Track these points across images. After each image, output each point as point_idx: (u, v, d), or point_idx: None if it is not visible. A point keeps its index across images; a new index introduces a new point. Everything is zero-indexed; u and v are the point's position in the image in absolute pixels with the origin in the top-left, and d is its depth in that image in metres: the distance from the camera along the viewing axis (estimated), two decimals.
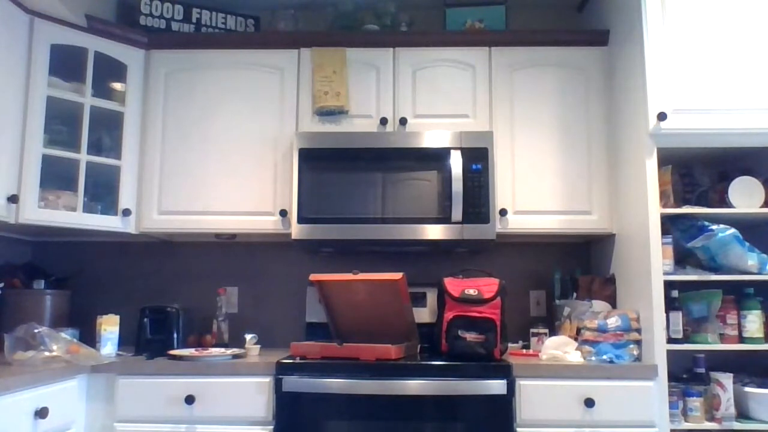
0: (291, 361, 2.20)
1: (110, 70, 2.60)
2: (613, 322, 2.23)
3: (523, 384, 2.12)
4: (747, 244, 2.22)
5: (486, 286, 2.28)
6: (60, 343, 2.17)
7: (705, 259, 2.28)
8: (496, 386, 2.08)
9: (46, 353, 2.11)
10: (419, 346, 2.50)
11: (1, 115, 2.22)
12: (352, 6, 2.88)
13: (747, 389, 2.16)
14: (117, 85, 2.65)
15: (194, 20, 2.83)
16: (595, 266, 2.80)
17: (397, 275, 2.25)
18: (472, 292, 2.26)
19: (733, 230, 2.20)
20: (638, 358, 2.21)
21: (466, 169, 2.44)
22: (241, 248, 2.91)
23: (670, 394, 2.12)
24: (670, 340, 2.18)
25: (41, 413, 1.89)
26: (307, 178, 2.50)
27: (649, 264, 2.18)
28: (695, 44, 2.26)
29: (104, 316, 2.44)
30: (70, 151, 2.46)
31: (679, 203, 2.36)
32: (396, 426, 2.10)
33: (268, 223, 2.58)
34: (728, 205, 2.26)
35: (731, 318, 2.22)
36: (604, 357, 2.18)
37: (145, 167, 2.63)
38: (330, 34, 2.77)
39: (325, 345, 2.26)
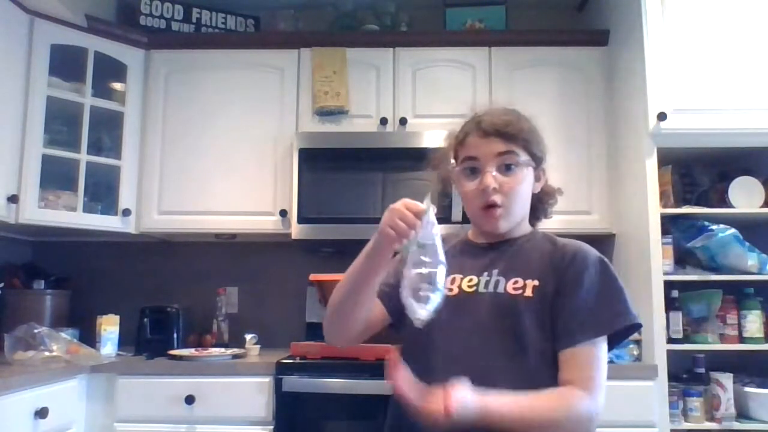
0: (291, 361, 2.20)
1: (110, 70, 2.60)
2: None
3: None
4: (747, 244, 2.21)
5: None
6: (60, 343, 2.17)
7: (705, 259, 2.27)
8: None
9: (46, 353, 2.11)
10: None
11: (1, 115, 2.22)
12: (352, 6, 2.88)
13: (747, 389, 2.16)
14: (117, 85, 2.65)
15: (194, 20, 2.83)
16: None
17: None
18: None
19: (733, 230, 2.20)
20: (638, 358, 2.21)
21: None
22: (241, 248, 2.90)
23: (670, 394, 2.12)
24: (670, 340, 2.18)
25: (41, 413, 1.89)
26: (307, 178, 2.50)
27: (649, 264, 2.18)
28: (695, 44, 2.25)
29: (104, 316, 2.44)
30: (70, 151, 2.46)
31: (679, 203, 2.36)
32: None
33: (268, 223, 2.58)
34: (728, 205, 2.26)
35: (731, 318, 2.22)
36: None
37: (145, 167, 2.63)
38: (330, 34, 2.77)
39: (325, 345, 2.26)
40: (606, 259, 1.17)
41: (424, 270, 0.99)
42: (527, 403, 1.02)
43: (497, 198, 1.15)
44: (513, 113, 1.22)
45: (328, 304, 1.21)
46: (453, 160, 1.26)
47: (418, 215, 1.01)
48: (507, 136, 1.16)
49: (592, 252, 1.17)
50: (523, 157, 1.18)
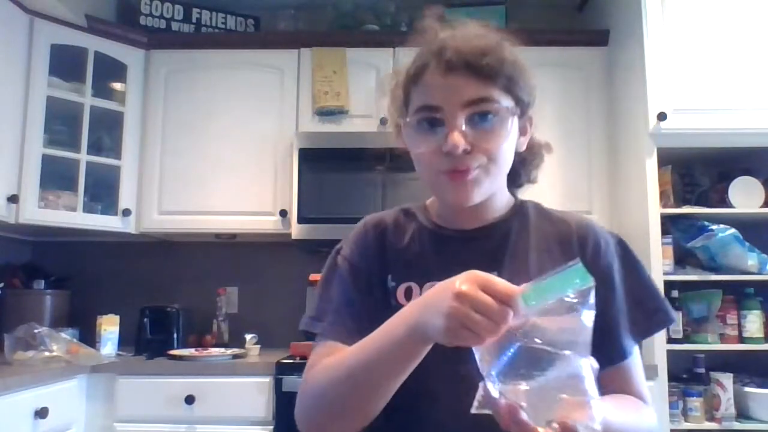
0: (291, 361, 2.20)
1: (110, 70, 2.60)
2: None
3: None
4: (747, 244, 2.21)
5: None
6: (60, 343, 2.17)
7: (705, 259, 2.27)
8: None
9: (46, 353, 2.11)
10: None
11: (1, 115, 2.22)
12: (352, 6, 2.88)
13: (747, 389, 2.16)
14: (117, 85, 2.65)
15: (194, 20, 2.83)
16: None
17: None
18: None
19: (733, 230, 2.20)
20: None
21: None
22: (241, 248, 2.90)
23: (670, 394, 2.12)
24: (670, 340, 2.18)
25: (41, 413, 1.89)
26: (307, 178, 2.50)
27: (649, 264, 2.17)
28: (695, 44, 2.25)
29: (104, 316, 2.44)
30: (70, 151, 2.46)
31: (679, 203, 2.36)
32: None
33: (268, 223, 2.58)
34: (728, 205, 2.26)
35: (731, 318, 2.22)
36: None
37: (145, 167, 2.63)
38: (330, 34, 2.77)
39: None
40: (623, 239, 0.93)
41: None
42: (625, 413, 0.81)
43: (469, 161, 0.81)
44: (490, 36, 0.87)
45: (311, 390, 0.87)
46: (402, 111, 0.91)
47: (509, 302, 0.63)
48: (482, 71, 0.81)
49: (608, 235, 0.92)
50: (505, 102, 0.82)
